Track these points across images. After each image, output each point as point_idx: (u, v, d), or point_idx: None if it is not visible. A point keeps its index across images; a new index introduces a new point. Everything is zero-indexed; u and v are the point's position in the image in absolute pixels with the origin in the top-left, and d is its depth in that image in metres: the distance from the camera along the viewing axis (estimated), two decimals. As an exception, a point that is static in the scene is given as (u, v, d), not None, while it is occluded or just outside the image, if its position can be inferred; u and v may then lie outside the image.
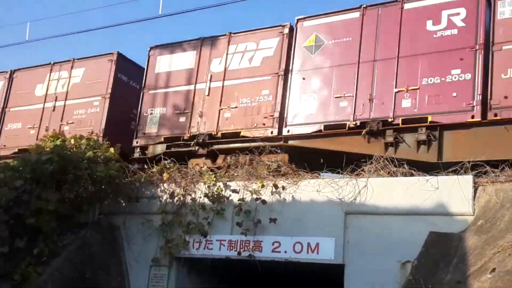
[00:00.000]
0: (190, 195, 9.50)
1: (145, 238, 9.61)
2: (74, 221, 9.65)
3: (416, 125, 9.34)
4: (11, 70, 14.71)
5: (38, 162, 9.40)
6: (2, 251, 8.78)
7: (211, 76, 11.74)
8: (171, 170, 10.06)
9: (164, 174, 9.94)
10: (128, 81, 13.65)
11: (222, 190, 9.25)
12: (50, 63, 14.14)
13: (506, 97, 8.82)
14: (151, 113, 12.22)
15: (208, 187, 9.35)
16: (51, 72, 13.99)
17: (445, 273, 6.79)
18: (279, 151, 10.22)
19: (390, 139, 9.50)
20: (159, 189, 9.88)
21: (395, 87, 9.74)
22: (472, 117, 9.00)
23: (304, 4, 32.28)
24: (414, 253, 7.25)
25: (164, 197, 9.72)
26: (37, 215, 9.08)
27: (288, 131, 10.49)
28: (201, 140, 11.20)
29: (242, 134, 10.85)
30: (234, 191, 9.15)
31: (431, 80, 9.50)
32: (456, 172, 7.79)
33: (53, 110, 13.57)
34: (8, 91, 14.57)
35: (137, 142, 12.12)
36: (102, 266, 9.47)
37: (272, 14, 33.52)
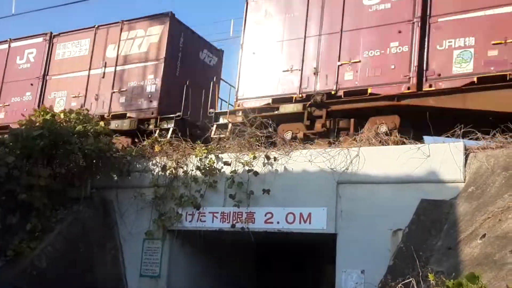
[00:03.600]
0: (182, 168, 9.51)
1: (138, 212, 9.67)
2: (67, 196, 9.67)
3: None
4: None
5: (29, 138, 9.36)
6: (-5, 227, 8.80)
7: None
8: (162, 143, 10.04)
9: (156, 147, 9.95)
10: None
11: (214, 163, 9.25)
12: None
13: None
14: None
15: (200, 159, 9.36)
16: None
17: (436, 239, 6.85)
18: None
19: None
20: (150, 163, 9.89)
21: None
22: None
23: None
24: (406, 221, 7.29)
25: (156, 171, 9.74)
26: (29, 191, 9.07)
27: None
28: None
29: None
30: (226, 163, 9.15)
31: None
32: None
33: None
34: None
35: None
36: (95, 240, 9.52)
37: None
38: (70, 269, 8.92)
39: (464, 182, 7.52)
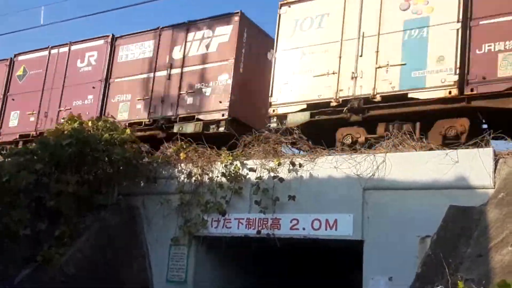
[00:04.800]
0: (208, 174, 9.56)
1: (164, 218, 9.72)
2: (94, 203, 9.78)
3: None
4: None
5: (57, 146, 9.52)
6: (25, 233, 8.93)
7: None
8: (188, 150, 10.07)
9: (181, 154, 9.97)
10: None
11: (239, 169, 9.28)
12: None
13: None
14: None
15: (225, 166, 9.39)
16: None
17: (465, 247, 6.73)
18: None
19: None
20: (176, 169, 9.94)
21: None
22: None
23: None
24: (434, 228, 7.20)
25: (182, 177, 9.79)
26: (57, 198, 9.21)
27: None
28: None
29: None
30: (251, 169, 9.17)
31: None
32: (476, 145, 7.71)
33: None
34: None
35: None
36: (122, 246, 9.62)
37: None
38: (97, 275, 9.00)
39: (494, 188, 7.39)
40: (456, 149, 7.71)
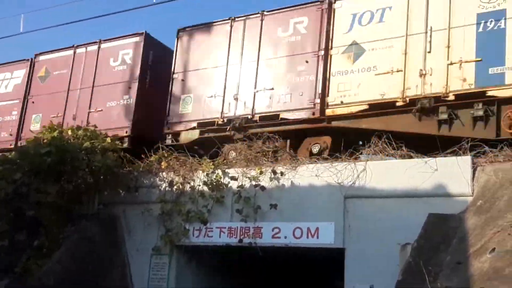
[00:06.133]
0: (189, 183, 9.54)
1: (145, 228, 9.67)
2: (74, 212, 9.71)
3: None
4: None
5: (36, 155, 9.42)
6: (3, 244, 8.84)
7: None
8: (169, 158, 10.05)
9: (163, 163, 9.94)
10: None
11: (221, 178, 9.28)
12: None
13: None
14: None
15: (207, 174, 9.38)
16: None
17: (445, 254, 6.82)
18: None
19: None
20: (157, 178, 9.91)
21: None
22: None
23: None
24: (414, 235, 7.26)
25: (163, 186, 9.76)
26: (37, 208, 9.12)
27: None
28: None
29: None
30: (233, 178, 9.18)
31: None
32: (454, 153, 7.78)
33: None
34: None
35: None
36: (103, 256, 9.54)
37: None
38: (77, 286, 8.92)
39: (473, 196, 7.49)
40: (435, 157, 7.79)
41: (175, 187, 9.62)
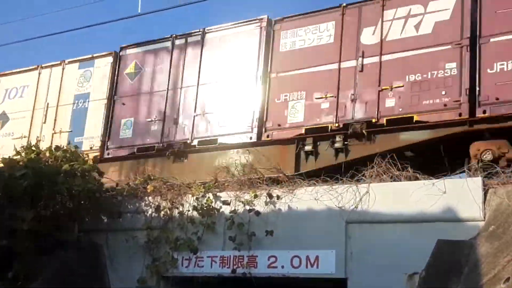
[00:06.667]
0: (178, 208, 9.26)
1: (130, 257, 9.34)
2: (52, 240, 9.32)
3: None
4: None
5: (11, 178, 9.07)
6: (-26, 276, 8.42)
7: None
8: (156, 181, 9.84)
9: (149, 186, 9.69)
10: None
11: (212, 202, 9.01)
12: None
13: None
14: None
15: (197, 199, 9.11)
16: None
17: (455, 284, 6.68)
18: None
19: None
20: (143, 203, 9.64)
21: None
22: None
23: None
24: (422, 264, 7.10)
25: (149, 212, 9.49)
26: (11, 236, 8.76)
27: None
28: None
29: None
30: (225, 202, 8.89)
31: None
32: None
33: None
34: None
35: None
36: (83, 288, 9.19)
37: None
38: (55, 321, 8.55)
39: (484, 220, 7.26)
40: (443, 178, 7.60)
41: (162, 212, 9.33)
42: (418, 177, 7.90)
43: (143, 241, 9.25)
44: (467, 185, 7.38)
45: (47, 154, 9.89)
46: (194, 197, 9.13)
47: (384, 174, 8.11)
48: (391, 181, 8.06)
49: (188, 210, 9.12)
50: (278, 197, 8.54)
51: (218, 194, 9.05)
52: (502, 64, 8.71)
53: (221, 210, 8.90)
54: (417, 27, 9.61)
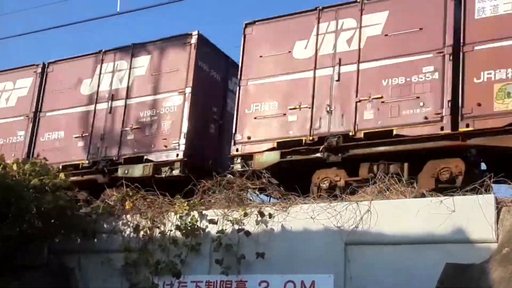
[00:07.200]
0: (159, 227, 8.91)
1: (105, 281, 8.99)
2: (19, 263, 9.02)
3: None
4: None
5: (-27, 194, 8.72)
6: None
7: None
8: (135, 198, 9.42)
9: (127, 203, 9.32)
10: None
11: (197, 221, 8.64)
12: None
13: None
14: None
15: (180, 217, 8.73)
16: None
17: (465, 312, 6.40)
18: None
19: None
20: (120, 222, 9.30)
21: None
22: None
23: None
24: (429, 290, 6.99)
25: (127, 231, 9.15)
26: (-28, 258, 8.41)
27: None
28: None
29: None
30: (211, 221, 8.52)
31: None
32: (475, 191, 7.28)
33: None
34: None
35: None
36: (53, 316, 8.84)
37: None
38: None
39: (497, 242, 6.96)
40: (452, 195, 7.26)
41: (141, 232, 8.97)
42: (425, 194, 7.64)
43: (120, 264, 8.90)
44: (478, 203, 7.07)
45: (14, 167, 9.43)
46: (177, 215, 8.77)
47: (388, 190, 7.84)
48: (395, 198, 7.79)
49: (171, 230, 8.78)
50: (270, 215, 8.22)
51: (203, 212, 8.71)
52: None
53: (207, 229, 8.56)
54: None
